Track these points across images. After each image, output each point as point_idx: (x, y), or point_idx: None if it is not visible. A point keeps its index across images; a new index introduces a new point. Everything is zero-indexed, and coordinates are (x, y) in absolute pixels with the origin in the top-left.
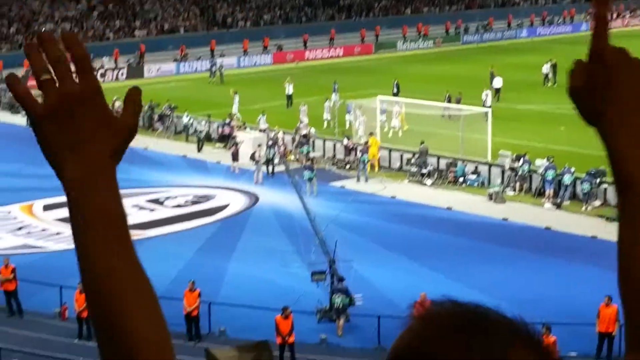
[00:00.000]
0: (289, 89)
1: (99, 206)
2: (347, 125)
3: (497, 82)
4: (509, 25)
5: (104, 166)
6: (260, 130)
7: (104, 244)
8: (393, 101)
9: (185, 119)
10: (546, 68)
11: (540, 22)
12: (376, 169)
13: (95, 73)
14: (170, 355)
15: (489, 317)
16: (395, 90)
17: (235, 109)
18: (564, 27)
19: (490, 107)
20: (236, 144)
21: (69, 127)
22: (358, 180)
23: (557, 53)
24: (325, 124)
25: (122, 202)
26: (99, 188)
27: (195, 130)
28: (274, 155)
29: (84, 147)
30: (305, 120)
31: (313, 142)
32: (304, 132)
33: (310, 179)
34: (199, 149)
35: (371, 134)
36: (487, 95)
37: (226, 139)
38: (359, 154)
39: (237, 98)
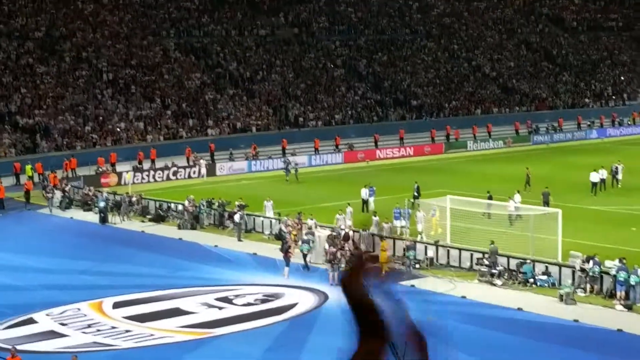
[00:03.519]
0: (365, 194)
1: None
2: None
3: (594, 177)
4: (578, 125)
5: None
6: (332, 230)
7: None
8: (463, 201)
9: (237, 218)
10: (596, 176)
11: (609, 123)
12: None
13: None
14: None
15: None
16: (415, 194)
17: (270, 214)
18: (634, 128)
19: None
20: (288, 249)
21: None
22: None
23: (628, 154)
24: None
25: None
26: None
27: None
28: (308, 250)
29: None
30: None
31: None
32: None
33: None
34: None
35: (382, 238)
36: (517, 198)
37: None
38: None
39: (269, 204)
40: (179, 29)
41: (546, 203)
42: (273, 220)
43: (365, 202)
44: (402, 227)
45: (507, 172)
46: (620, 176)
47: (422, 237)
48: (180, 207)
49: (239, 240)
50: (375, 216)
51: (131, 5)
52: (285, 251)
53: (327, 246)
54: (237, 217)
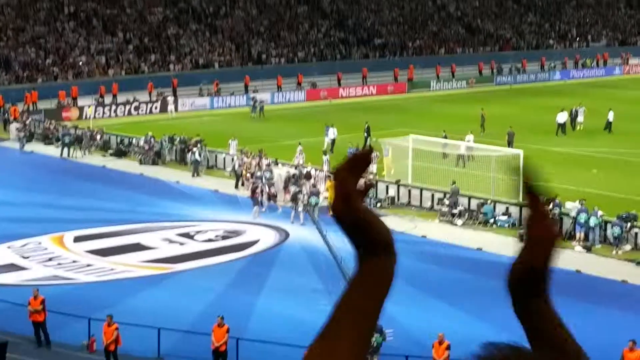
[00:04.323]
0: (333, 133)
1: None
2: None
3: (561, 118)
4: (542, 67)
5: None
6: (295, 167)
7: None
8: (425, 141)
9: (196, 154)
10: (563, 116)
11: (573, 65)
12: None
13: None
14: None
15: None
16: (365, 134)
17: (232, 151)
18: (597, 70)
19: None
20: (255, 189)
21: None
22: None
23: (590, 96)
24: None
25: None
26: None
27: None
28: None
29: None
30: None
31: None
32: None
33: (315, 205)
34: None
35: (329, 177)
36: (469, 138)
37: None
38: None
39: (234, 143)
40: None
41: (510, 143)
42: (235, 158)
43: (333, 142)
44: None
45: (470, 112)
46: (581, 118)
47: (375, 177)
48: (141, 143)
49: (193, 176)
50: (325, 155)
51: None
52: (252, 191)
53: (272, 189)
54: (196, 154)
